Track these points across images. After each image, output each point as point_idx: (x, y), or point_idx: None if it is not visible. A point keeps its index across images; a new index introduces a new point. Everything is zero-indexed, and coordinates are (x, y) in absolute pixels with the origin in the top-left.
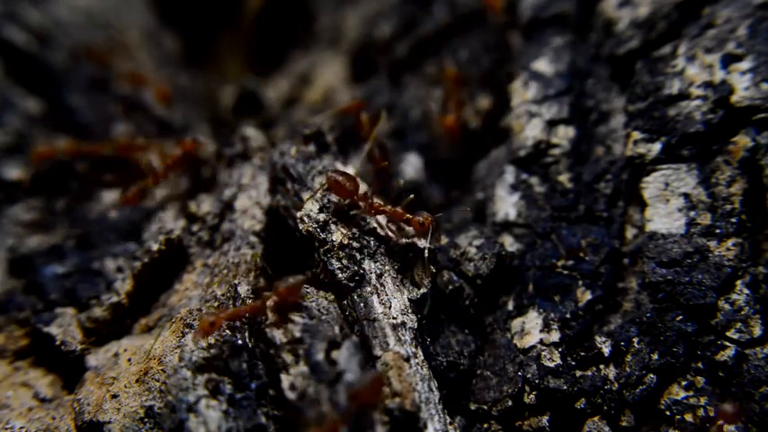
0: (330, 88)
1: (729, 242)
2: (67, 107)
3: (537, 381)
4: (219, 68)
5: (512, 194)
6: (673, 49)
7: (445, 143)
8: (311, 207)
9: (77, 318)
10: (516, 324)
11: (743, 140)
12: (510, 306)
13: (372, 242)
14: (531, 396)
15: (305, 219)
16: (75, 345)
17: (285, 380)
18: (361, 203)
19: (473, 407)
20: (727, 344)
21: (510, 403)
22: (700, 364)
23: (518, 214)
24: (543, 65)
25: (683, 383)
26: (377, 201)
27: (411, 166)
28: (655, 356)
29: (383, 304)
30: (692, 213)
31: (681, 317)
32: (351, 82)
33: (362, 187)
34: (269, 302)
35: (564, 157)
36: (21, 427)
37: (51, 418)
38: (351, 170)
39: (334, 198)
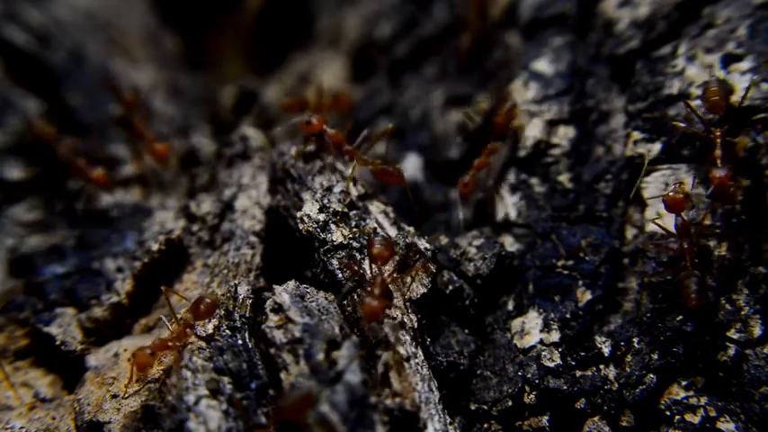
0: (330, 88)
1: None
2: (67, 107)
3: (537, 381)
4: (219, 68)
5: (512, 194)
6: (673, 49)
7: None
8: (311, 207)
9: (77, 318)
10: (516, 324)
11: (743, 140)
12: (510, 306)
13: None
14: (531, 396)
15: (305, 219)
16: (75, 345)
17: (285, 380)
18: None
19: (473, 407)
20: (727, 344)
21: (510, 403)
22: (700, 364)
23: (518, 214)
24: (543, 65)
25: (683, 383)
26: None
27: (411, 166)
28: (655, 356)
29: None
30: (692, 213)
31: (681, 317)
32: (351, 82)
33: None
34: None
35: (564, 157)
36: (21, 427)
37: (51, 418)
38: (349, 170)
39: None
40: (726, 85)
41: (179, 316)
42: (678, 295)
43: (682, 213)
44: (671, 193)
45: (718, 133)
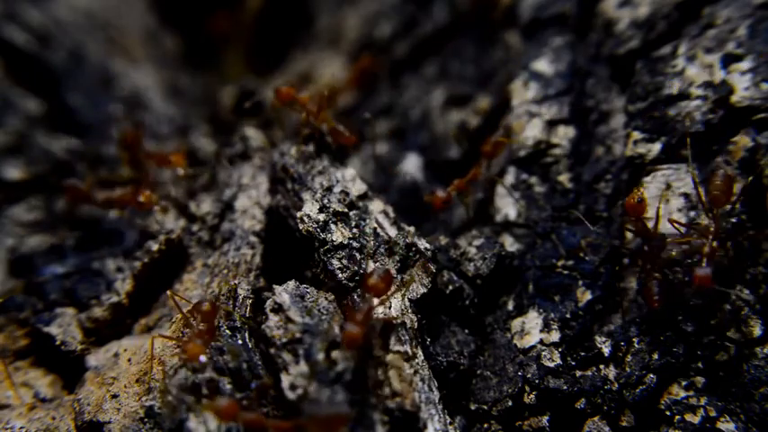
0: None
1: (729, 242)
2: (67, 107)
3: (537, 381)
4: (219, 68)
5: (512, 194)
6: (673, 49)
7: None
8: (311, 207)
9: (77, 318)
10: (516, 324)
11: (743, 140)
12: (510, 306)
13: (372, 242)
14: (531, 396)
15: (305, 219)
16: (75, 345)
17: (285, 380)
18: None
19: (473, 407)
20: (727, 344)
21: (510, 403)
22: (700, 364)
23: (518, 214)
24: (543, 65)
25: (683, 383)
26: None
27: (411, 166)
28: (655, 356)
29: (383, 304)
30: (692, 213)
31: (681, 317)
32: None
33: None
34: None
35: (564, 158)
36: (21, 427)
37: (51, 418)
38: (351, 170)
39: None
40: (731, 180)
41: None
42: (642, 296)
43: (642, 217)
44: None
45: (711, 230)
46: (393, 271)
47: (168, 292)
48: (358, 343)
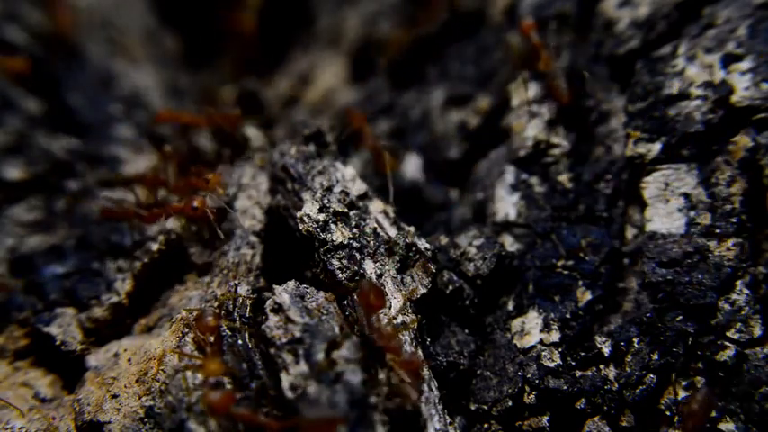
0: (330, 88)
1: (729, 242)
2: (67, 107)
3: (537, 381)
4: (219, 68)
5: (512, 194)
6: (673, 49)
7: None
8: (311, 207)
9: (77, 318)
10: (516, 324)
11: (743, 140)
12: (510, 306)
13: (372, 242)
14: (531, 396)
15: (305, 219)
16: (75, 345)
17: (285, 380)
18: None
19: (473, 407)
20: (727, 344)
21: (510, 403)
22: (700, 364)
23: (518, 214)
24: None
25: (683, 383)
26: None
27: (411, 166)
28: (655, 356)
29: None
30: (692, 213)
31: (681, 317)
32: (350, 82)
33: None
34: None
35: (564, 157)
36: (21, 427)
37: (51, 418)
38: (351, 170)
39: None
40: (711, 405)
41: (185, 313)
42: (553, 97)
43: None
44: None
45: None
46: (387, 280)
47: (183, 311)
48: (421, 367)
